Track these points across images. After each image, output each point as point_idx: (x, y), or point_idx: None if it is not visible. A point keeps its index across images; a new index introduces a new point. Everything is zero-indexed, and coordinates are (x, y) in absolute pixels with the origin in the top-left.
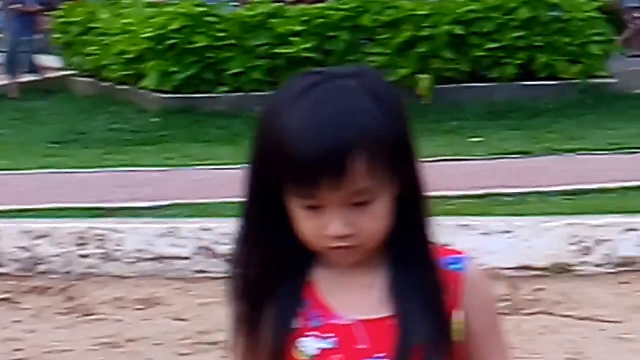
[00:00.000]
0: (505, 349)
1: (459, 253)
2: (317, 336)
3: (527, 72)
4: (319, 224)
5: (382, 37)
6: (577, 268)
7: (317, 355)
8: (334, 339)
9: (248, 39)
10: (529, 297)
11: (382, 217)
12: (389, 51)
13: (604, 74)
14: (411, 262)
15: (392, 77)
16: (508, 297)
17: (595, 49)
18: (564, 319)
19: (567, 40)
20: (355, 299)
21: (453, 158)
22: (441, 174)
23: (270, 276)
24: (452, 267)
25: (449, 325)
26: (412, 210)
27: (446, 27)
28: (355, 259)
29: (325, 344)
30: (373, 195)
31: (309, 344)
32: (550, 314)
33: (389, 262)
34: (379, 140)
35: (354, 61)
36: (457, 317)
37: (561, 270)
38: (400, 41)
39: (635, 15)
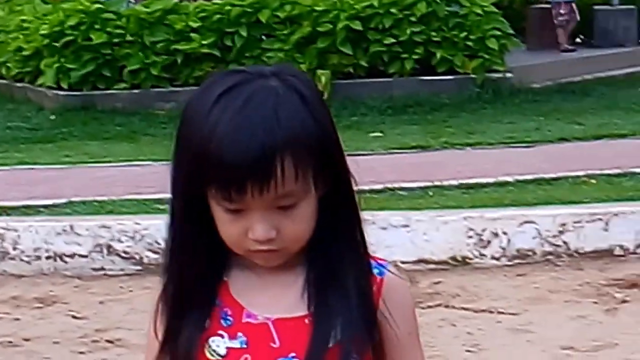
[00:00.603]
0: (421, 355)
1: (382, 260)
2: (226, 335)
3: (425, 66)
4: (242, 228)
5: (280, 32)
6: (475, 261)
7: (225, 355)
8: (243, 339)
9: (146, 35)
10: (427, 291)
11: (307, 220)
12: (287, 47)
13: (501, 68)
14: (332, 262)
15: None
16: None
17: (492, 44)
18: (461, 312)
19: (464, 34)
20: (272, 298)
21: (352, 153)
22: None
23: (190, 277)
24: (374, 271)
25: (370, 327)
26: (337, 209)
27: (344, 23)
28: (278, 262)
29: (233, 344)
30: (299, 198)
31: (219, 343)
32: (448, 306)
33: (309, 261)
34: (307, 142)
35: (253, 57)
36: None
37: (459, 263)
38: (298, 37)
39: (562, 11)
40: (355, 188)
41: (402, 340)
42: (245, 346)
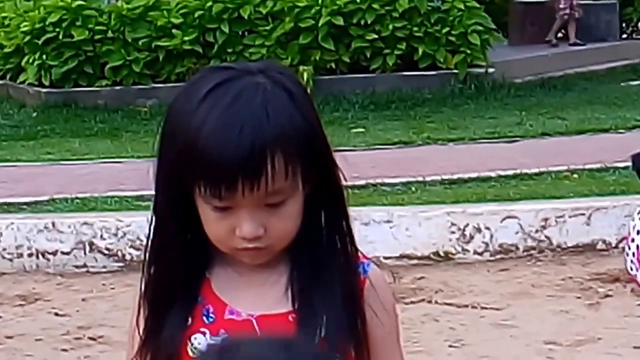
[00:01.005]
0: (401, 354)
1: (366, 258)
2: (208, 332)
3: (407, 62)
4: (230, 226)
5: (262, 28)
6: (458, 256)
7: None
8: (226, 335)
9: (127, 32)
10: (410, 286)
11: (294, 217)
12: (269, 43)
13: (483, 63)
14: (317, 260)
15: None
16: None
17: (474, 39)
18: (444, 307)
19: (446, 30)
20: (255, 295)
21: (334, 149)
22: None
23: (172, 275)
24: (357, 270)
25: (354, 326)
26: (323, 207)
27: (326, 18)
28: (264, 259)
29: (215, 341)
30: (287, 195)
31: (201, 341)
32: (431, 302)
33: (293, 258)
34: (296, 139)
35: (234, 53)
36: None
37: (441, 259)
38: (280, 33)
39: (561, 6)
40: (343, 184)
41: (384, 339)
42: None
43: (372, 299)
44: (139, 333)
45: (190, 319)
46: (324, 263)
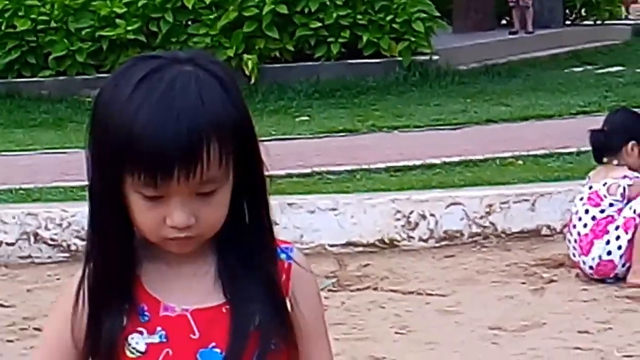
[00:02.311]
0: (328, 339)
1: (287, 243)
2: (145, 331)
3: (352, 50)
4: (160, 215)
5: (206, 17)
6: (403, 243)
7: (146, 351)
8: (163, 332)
9: (71, 22)
10: (355, 273)
11: (224, 206)
12: (214, 32)
13: (428, 50)
14: (243, 249)
15: (218, 57)
16: (335, 274)
17: (418, 26)
18: (390, 294)
19: (390, 17)
20: (187, 289)
21: (280, 137)
22: (268, 154)
23: (106, 273)
24: (281, 256)
25: (284, 311)
26: (248, 196)
27: (270, 7)
28: (192, 248)
29: (153, 339)
30: (220, 184)
31: (138, 340)
32: (377, 289)
33: (220, 248)
34: (230, 127)
35: (179, 42)
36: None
37: (387, 246)
38: (224, 22)
39: None
40: (266, 173)
41: (310, 325)
42: (165, 340)
43: (299, 284)
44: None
45: (125, 319)
46: (249, 252)
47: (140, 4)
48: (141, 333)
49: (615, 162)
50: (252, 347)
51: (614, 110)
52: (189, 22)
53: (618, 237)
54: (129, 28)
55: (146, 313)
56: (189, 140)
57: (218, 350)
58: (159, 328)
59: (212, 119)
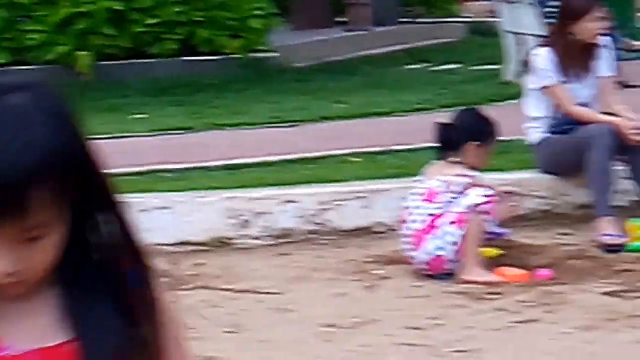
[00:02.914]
0: (186, 346)
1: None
2: None
3: (188, 47)
4: None
5: (39, 14)
6: (237, 241)
7: None
8: None
9: None
10: (189, 273)
11: (56, 248)
12: (47, 28)
13: (265, 48)
14: (88, 279)
15: (51, 55)
16: (168, 274)
17: (255, 24)
18: (223, 293)
19: (227, 15)
20: (26, 327)
21: (115, 136)
22: (103, 153)
23: None
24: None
25: (139, 339)
26: (94, 216)
27: (105, 3)
28: (23, 291)
29: None
30: (50, 228)
31: None
32: (210, 288)
33: (62, 281)
34: (63, 166)
35: (11, 40)
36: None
37: (221, 244)
38: (58, 18)
39: None
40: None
41: (169, 344)
42: None
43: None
44: None
45: None
46: (94, 283)
47: None
48: None
49: (455, 159)
50: None
51: (463, 109)
52: (20, 19)
53: (451, 233)
54: None
55: None
56: (13, 186)
57: None
58: None
59: (41, 161)
